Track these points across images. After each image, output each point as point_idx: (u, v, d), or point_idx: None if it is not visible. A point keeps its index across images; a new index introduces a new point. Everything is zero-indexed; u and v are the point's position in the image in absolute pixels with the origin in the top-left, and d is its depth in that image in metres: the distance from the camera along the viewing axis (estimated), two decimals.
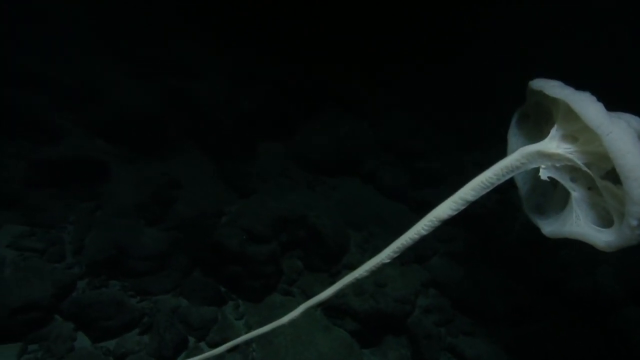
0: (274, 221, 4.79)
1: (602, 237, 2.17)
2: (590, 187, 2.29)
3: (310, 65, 6.68)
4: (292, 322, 4.04)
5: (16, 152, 4.75)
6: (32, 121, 5.04)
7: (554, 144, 2.19)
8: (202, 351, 4.10)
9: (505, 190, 5.00)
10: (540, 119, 2.56)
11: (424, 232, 2.38)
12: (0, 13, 5.72)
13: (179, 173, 5.17)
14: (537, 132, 2.59)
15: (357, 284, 4.48)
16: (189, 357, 4.02)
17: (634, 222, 1.95)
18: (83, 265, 4.30)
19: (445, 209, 2.32)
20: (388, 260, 2.51)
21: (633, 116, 2.11)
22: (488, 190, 2.31)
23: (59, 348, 3.72)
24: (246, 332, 4.40)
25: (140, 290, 4.36)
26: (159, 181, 4.95)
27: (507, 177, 2.28)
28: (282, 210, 4.89)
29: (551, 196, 2.59)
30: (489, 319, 4.56)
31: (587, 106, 1.97)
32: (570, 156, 2.14)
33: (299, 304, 4.07)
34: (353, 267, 4.41)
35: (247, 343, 4.29)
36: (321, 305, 4.53)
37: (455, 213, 2.36)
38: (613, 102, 2.09)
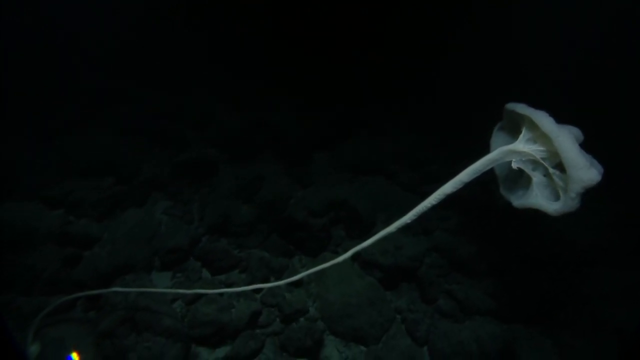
0: (326, 203, 5.06)
1: (552, 206, 2.41)
2: (545, 174, 2.53)
3: (350, 103, 6.99)
4: (337, 270, 4.35)
5: (165, 157, 5.25)
6: (174, 137, 5.53)
7: (521, 145, 2.44)
8: (279, 287, 4.41)
9: (487, 183, 5.10)
10: (512, 130, 2.79)
11: (434, 202, 2.67)
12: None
13: (262, 171, 5.44)
14: (510, 139, 2.82)
15: (383, 246, 4.71)
16: (270, 291, 4.34)
17: (573, 195, 2.21)
18: (205, 227, 4.70)
19: (449, 187, 2.61)
20: (409, 221, 2.80)
21: (573, 127, 2.33)
22: (477, 175, 2.57)
23: (193, 277, 4.15)
24: (306, 277, 4.66)
25: (239, 244, 4.69)
26: (249, 176, 5.27)
27: (490, 167, 2.54)
28: (331, 196, 5.15)
29: (519, 181, 2.82)
30: (475, 273, 4.60)
31: (543, 119, 2.23)
32: (532, 153, 2.39)
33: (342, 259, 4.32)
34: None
35: (308, 281, 4.59)
36: (359, 257, 4.75)
37: (455, 190, 2.64)
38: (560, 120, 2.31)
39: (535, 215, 4.45)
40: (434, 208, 6.12)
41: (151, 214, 4.61)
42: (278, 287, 4.38)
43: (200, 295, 3.97)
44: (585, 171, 2.05)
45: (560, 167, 2.34)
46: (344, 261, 4.92)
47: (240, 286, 4.30)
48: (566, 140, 2.09)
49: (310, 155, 6.03)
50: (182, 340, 3.57)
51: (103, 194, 4.40)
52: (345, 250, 4.99)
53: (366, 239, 5.16)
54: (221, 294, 4.12)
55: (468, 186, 5.67)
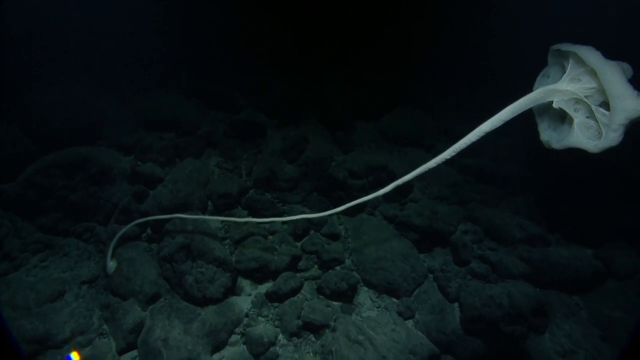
0: (365, 167, 5.21)
1: (593, 143, 2.43)
2: (588, 115, 2.54)
3: (395, 79, 7.05)
4: (374, 228, 4.50)
5: (219, 118, 5.68)
6: (229, 102, 5.92)
7: (564, 83, 2.48)
8: (319, 238, 4.67)
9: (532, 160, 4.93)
10: (556, 74, 2.79)
11: (473, 139, 2.76)
12: None
13: (308, 135, 5.64)
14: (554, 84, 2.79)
15: (419, 210, 4.79)
16: (311, 241, 4.61)
17: (615, 126, 2.23)
18: (252, 181, 5.05)
19: (487, 125, 2.69)
20: (449, 157, 2.90)
21: (623, 62, 2.32)
22: (517, 114, 2.62)
23: (241, 222, 4.54)
24: (344, 233, 4.87)
25: (282, 199, 5.01)
26: (296, 137, 5.49)
27: (530, 106, 2.60)
28: (371, 161, 5.28)
29: (559, 127, 2.82)
30: (508, 241, 4.59)
31: (589, 52, 2.26)
32: (576, 91, 2.42)
33: (379, 220, 4.53)
34: (416, 201, 4.76)
35: (346, 236, 4.80)
36: (395, 218, 4.89)
37: (494, 128, 2.71)
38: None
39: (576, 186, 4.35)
40: (470, 182, 6.03)
41: (206, 165, 5.05)
42: (318, 237, 4.65)
43: (247, 236, 4.34)
44: (631, 101, 2.07)
45: (605, 105, 2.35)
46: (380, 221, 5.10)
47: (283, 235, 4.61)
48: (611, 70, 2.12)
49: (354, 124, 6.18)
50: (230, 271, 3.95)
51: (166, 143, 4.90)
52: (382, 213, 5.21)
53: (403, 203, 5.30)
54: (266, 237, 4.47)
55: (507, 163, 5.58)
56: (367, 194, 5.09)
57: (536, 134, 3.06)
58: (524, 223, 4.75)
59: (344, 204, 5.02)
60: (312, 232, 4.75)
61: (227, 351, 3.67)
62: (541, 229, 4.69)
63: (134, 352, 3.48)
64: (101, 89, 5.34)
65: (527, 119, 3.32)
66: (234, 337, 3.76)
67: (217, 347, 3.62)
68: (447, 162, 5.86)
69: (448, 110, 7.02)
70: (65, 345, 3.29)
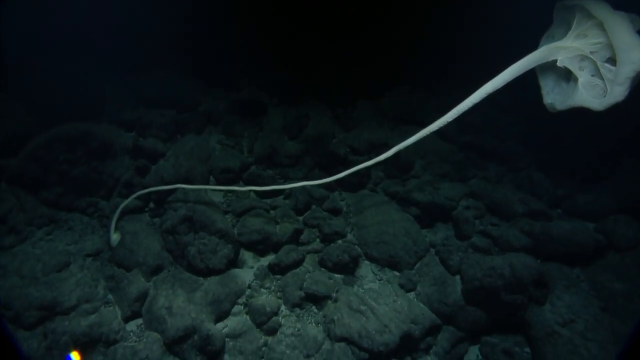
0: (366, 143, 5.18)
1: (598, 101, 2.38)
2: (593, 74, 2.49)
3: (396, 58, 6.92)
4: (375, 204, 4.46)
5: (221, 96, 5.62)
6: (229, 81, 5.85)
7: (570, 40, 2.42)
8: (321, 212, 4.67)
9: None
10: (561, 37, 2.71)
11: (475, 101, 2.72)
12: None
13: (309, 113, 5.60)
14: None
15: (420, 185, 4.75)
16: (313, 215, 4.62)
17: (622, 79, 2.18)
18: (254, 158, 5.03)
19: (490, 86, 2.64)
20: (450, 119, 2.87)
21: (633, 14, 2.25)
22: (520, 74, 2.57)
23: (242, 196, 4.54)
24: (346, 208, 4.87)
25: (284, 175, 5.00)
26: (297, 115, 5.47)
27: (534, 64, 2.54)
28: (372, 138, 5.25)
29: (563, 87, 2.76)
30: (510, 216, 4.58)
31: (597, 3, 2.19)
32: (581, 47, 2.36)
33: (381, 196, 4.50)
34: (418, 177, 4.70)
35: (347, 212, 4.81)
36: (397, 194, 4.87)
37: (496, 89, 2.66)
38: None
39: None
40: (472, 158, 5.95)
41: (207, 141, 5.04)
42: (319, 211, 4.65)
43: (249, 209, 4.34)
44: (638, 51, 2.02)
45: (611, 61, 2.30)
46: (382, 197, 5.08)
47: (284, 209, 4.62)
48: (619, 20, 2.06)
49: (354, 103, 6.11)
50: (233, 243, 3.97)
51: (167, 120, 4.89)
52: (384, 189, 5.17)
53: (405, 179, 5.27)
54: (267, 212, 4.47)
55: (509, 140, 5.50)
56: (367, 171, 5.16)
57: (538, 105, 3.02)
58: (526, 198, 4.73)
59: (344, 180, 5.04)
60: (313, 206, 4.75)
61: (230, 321, 3.71)
62: (543, 204, 4.67)
63: (139, 320, 3.53)
64: (102, 67, 5.29)
65: (529, 96, 3.26)
66: (236, 308, 3.80)
67: (220, 317, 3.67)
68: (449, 140, 5.90)
69: (450, 90, 6.91)
70: (72, 312, 3.33)
